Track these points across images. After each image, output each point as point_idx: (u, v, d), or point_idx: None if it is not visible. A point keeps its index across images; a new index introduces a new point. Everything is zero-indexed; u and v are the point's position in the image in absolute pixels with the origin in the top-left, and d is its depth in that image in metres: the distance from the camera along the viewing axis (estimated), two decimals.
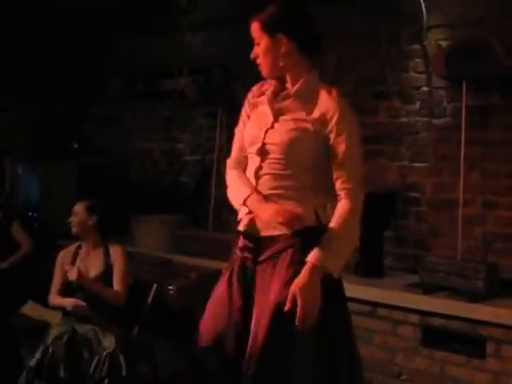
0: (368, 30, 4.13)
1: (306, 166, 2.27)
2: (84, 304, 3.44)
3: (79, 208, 3.68)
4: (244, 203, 2.33)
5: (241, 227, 2.36)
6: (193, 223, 4.99)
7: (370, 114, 4.16)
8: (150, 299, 3.70)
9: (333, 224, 2.20)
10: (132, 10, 5.33)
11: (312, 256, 2.15)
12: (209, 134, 5.05)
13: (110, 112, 5.85)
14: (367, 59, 4.17)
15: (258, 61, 2.34)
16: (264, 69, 2.34)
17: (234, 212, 4.51)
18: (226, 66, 4.71)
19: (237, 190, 2.41)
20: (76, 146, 5.70)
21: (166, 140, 5.43)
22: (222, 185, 4.69)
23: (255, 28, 2.32)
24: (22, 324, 3.97)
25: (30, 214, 5.27)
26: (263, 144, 2.31)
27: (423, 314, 3.45)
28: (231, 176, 2.47)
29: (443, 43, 3.85)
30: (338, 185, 2.25)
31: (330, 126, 2.24)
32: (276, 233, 2.26)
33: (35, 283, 4.31)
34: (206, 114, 5.09)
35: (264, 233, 2.29)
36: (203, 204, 4.98)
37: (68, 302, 3.49)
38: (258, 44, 2.32)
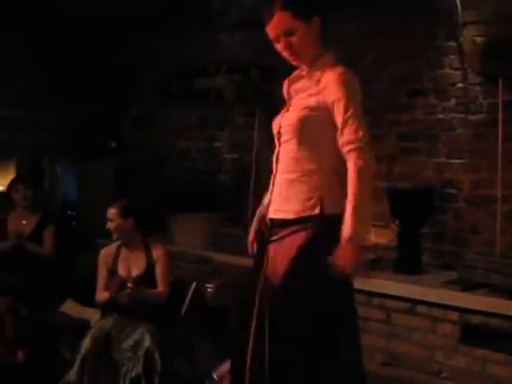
0: (404, 27, 4.13)
1: (317, 145, 2.28)
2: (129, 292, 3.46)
3: (113, 213, 3.67)
4: None
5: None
6: (231, 221, 5.00)
7: (406, 111, 4.17)
8: (189, 297, 3.74)
9: (349, 192, 2.20)
10: (168, 11, 5.40)
11: (344, 233, 2.18)
12: (246, 133, 5.06)
13: (146, 111, 5.90)
14: (403, 57, 4.16)
15: (293, 51, 2.30)
16: (299, 58, 2.33)
17: None
18: (262, 65, 4.72)
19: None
20: (114, 145, 5.73)
21: (202, 139, 5.46)
22: (261, 183, 4.75)
23: (283, 18, 2.26)
24: (61, 321, 4.05)
25: (68, 212, 5.34)
26: (280, 127, 2.36)
27: (462, 311, 3.43)
28: None
29: (478, 39, 3.83)
30: (343, 148, 2.24)
31: (329, 96, 2.23)
32: (287, 217, 2.32)
33: (74, 282, 4.41)
34: (244, 113, 5.11)
35: (276, 215, 2.37)
36: (242, 202, 4.97)
37: (107, 295, 3.55)
38: (291, 34, 2.27)
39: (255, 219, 2.56)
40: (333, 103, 2.23)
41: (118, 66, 5.95)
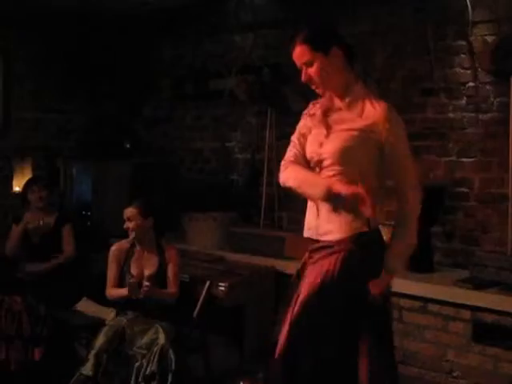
0: (415, 27, 4.15)
1: (359, 173, 2.36)
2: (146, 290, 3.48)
3: (133, 213, 3.66)
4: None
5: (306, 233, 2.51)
6: (244, 221, 5.03)
7: (418, 110, 4.17)
8: (202, 296, 3.77)
9: (397, 228, 2.42)
10: (183, 13, 5.44)
11: (387, 267, 2.39)
12: (259, 133, 5.09)
13: (160, 112, 5.92)
14: (414, 56, 4.17)
15: (312, 81, 2.40)
16: (321, 86, 2.42)
17: (285, 209, 4.60)
18: (274, 65, 4.75)
19: (308, 174, 2.47)
20: (128, 146, 5.75)
21: (216, 139, 5.49)
22: (273, 183, 4.80)
23: (303, 51, 2.36)
24: (77, 320, 4.06)
25: (83, 212, 5.34)
26: (319, 155, 2.41)
27: (474, 309, 3.44)
28: (296, 168, 2.49)
29: (489, 38, 3.84)
30: (398, 189, 2.40)
31: (382, 135, 2.34)
32: (333, 238, 2.39)
33: (89, 281, 4.43)
34: (256, 113, 5.13)
35: (323, 237, 2.42)
36: (254, 202, 5.03)
37: (125, 290, 3.57)
38: (310, 65, 2.37)
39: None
40: (387, 142, 2.34)
41: (133, 67, 5.99)
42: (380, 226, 2.44)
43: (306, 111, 2.57)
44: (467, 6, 3.85)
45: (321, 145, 2.42)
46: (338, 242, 2.37)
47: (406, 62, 4.22)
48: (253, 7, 4.88)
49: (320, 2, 4.48)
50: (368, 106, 2.37)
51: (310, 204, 2.50)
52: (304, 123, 2.53)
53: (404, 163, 2.39)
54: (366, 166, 2.38)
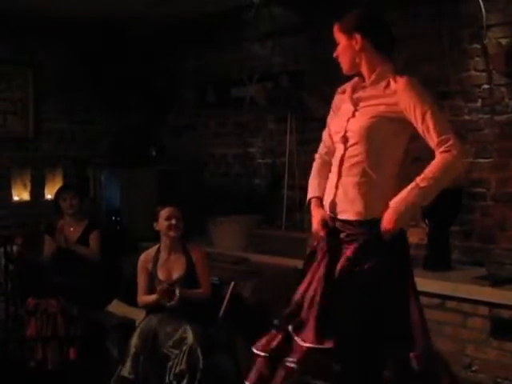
0: (430, 31, 4.20)
1: (382, 152, 2.47)
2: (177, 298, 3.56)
3: (177, 212, 3.74)
4: (308, 202, 2.66)
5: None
6: (267, 223, 5.08)
7: None
8: (227, 297, 3.85)
9: (425, 172, 2.40)
10: (205, 23, 5.53)
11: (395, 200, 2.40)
12: (279, 138, 5.15)
13: (185, 120, 6.03)
14: (430, 60, 4.21)
15: (339, 59, 2.60)
16: (343, 65, 2.61)
17: (306, 211, 4.66)
18: (293, 72, 4.82)
19: (310, 185, 2.72)
20: (154, 153, 5.83)
21: (238, 145, 5.57)
22: (294, 186, 4.85)
23: (335, 30, 2.60)
24: (109, 321, 4.17)
25: (112, 218, 5.45)
26: (345, 132, 2.53)
27: (492, 306, 3.45)
28: (315, 166, 2.76)
29: (503, 41, 3.86)
30: (433, 145, 2.41)
31: (402, 103, 2.44)
32: (350, 218, 2.49)
33: (120, 283, 4.54)
34: (276, 119, 5.20)
35: (341, 216, 2.52)
36: (276, 204, 5.09)
37: (154, 296, 3.64)
38: (338, 44, 2.59)
39: (318, 212, 2.66)
40: (407, 110, 2.43)
41: (157, 76, 6.11)
42: None
43: (338, 90, 2.73)
44: (481, 9, 3.85)
45: (348, 120, 2.54)
46: (363, 222, 2.46)
47: (421, 66, 4.24)
48: (271, 15, 4.97)
49: (337, 8, 4.56)
50: (391, 81, 2.49)
51: (329, 179, 2.61)
52: (334, 101, 2.71)
53: (427, 123, 2.40)
54: (389, 149, 2.47)
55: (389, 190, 2.47)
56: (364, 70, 2.57)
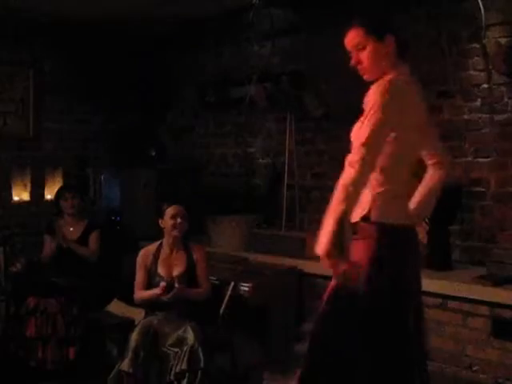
0: (429, 31, 4.21)
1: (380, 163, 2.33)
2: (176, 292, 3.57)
3: (182, 211, 3.74)
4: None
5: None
6: (267, 223, 5.09)
7: (435, 112, 4.18)
8: (227, 297, 3.84)
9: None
10: (203, 24, 5.55)
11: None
12: (278, 138, 5.16)
13: (184, 120, 6.04)
14: (430, 60, 4.22)
15: (362, 65, 2.41)
16: (368, 72, 2.43)
17: (305, 211, 4.67)
18: (292, 73, 4.81)
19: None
20: (153, 153, 5.84)
21: (238, 145, 5.58)
22: (294, 186, 4.84)
23: (357, 34, 2.39)
24: (108, 320, 4.16)
25: (112, 218, 5.47)
26: (352, 141, 2.42)
27: (493, 305, 3.45)
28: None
29: (502, 41, 3.87)
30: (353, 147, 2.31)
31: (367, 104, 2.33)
32: (356, 219, 2.39)
33: (119, 283, 4.50)
34: (276, 120, 5.21)
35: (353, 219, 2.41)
36: (276, 204, 5.08)
37: (156, 290, 3.64)
38: (362, 49, 2.39)
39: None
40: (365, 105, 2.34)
41: (156, 77, 6.12)
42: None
43: None
44: (480, 9, 3.86)
45: (355, 130, 2.41)
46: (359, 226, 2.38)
47: (421, 65, 4.23)
48: (270, 16, 4.98)
49: (335, 9, 4.57)
50: None
51: None
52: None
53: (364, 127, 2.27)
54: (386, 156, 2.33)
55: (381, 192, 2.39)
56: (380, 75, 2.41)
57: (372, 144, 2.24)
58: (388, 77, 2.36)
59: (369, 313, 2.33)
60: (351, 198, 2.21)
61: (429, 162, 2.61)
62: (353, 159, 2.23)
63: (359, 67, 2.43)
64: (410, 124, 2.38)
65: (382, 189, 2.37)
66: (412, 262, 2.45)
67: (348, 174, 2.22)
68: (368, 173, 2.25)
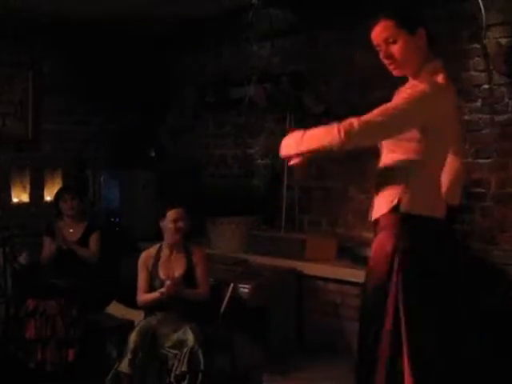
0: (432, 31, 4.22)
1: (401, 151, 2.31)
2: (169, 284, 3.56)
3: (182, 213, 3.75)
4: None
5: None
6: (266, 224, 5.09)
7: None
8: (226, 298, 3.83)
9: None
10: (203, 24, 5.55)
11: None
12: (278, 139, 5.16)
13: (184, 121, 6.05)
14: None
15: (392, 60, 2.32)
16: (400, 66, 2.33)
17: (305, 212, 4.63)
18: (292, 73, 4.82)
19: None
20: (153, 154, 5.85)
21: (237, 146, 5.58)
22: (293, 187, 4.83)
23: (388, 27, 2.29)
24: (108, 322, 4.15)
25: (112, 219, 5.48)
26: None
27: None
28: None
29: (502, 41, 3.88)
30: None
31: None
32: (377, 215, 2.36)
33: (119, 285, 4.48)
34: (276, 120, 5.21)
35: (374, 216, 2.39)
36: (275, 205, 5.09)
37: (156, 294, 3.63)
38: (392, 43, 2.29)
39: None
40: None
41: (156, 78, 6.12)
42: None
43: None
44: (480, 9, 3.87)
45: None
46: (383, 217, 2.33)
47: None
48: (269, 17, 4.98)
49: (334, 9, 4.57)
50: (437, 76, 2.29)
51: None
52: None
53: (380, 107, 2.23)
54: (418, 149, 2.28)
55: (409, 184, 2.32)
56: (413, 70, 2.33)
57: (373, 128, 2.20)
58: (424, 79, 2.28)
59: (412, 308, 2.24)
60: (316, 151, 2.26)
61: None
62: (345, 128, 2.15)
63: (389, 62, 2.34)
64: (441, 127, 2.31)
65: (414, 181, 2.30)
66: (447, 253, 2.34)
67: (330, 135, 2.17)
68: (342, 149, 2.19)
